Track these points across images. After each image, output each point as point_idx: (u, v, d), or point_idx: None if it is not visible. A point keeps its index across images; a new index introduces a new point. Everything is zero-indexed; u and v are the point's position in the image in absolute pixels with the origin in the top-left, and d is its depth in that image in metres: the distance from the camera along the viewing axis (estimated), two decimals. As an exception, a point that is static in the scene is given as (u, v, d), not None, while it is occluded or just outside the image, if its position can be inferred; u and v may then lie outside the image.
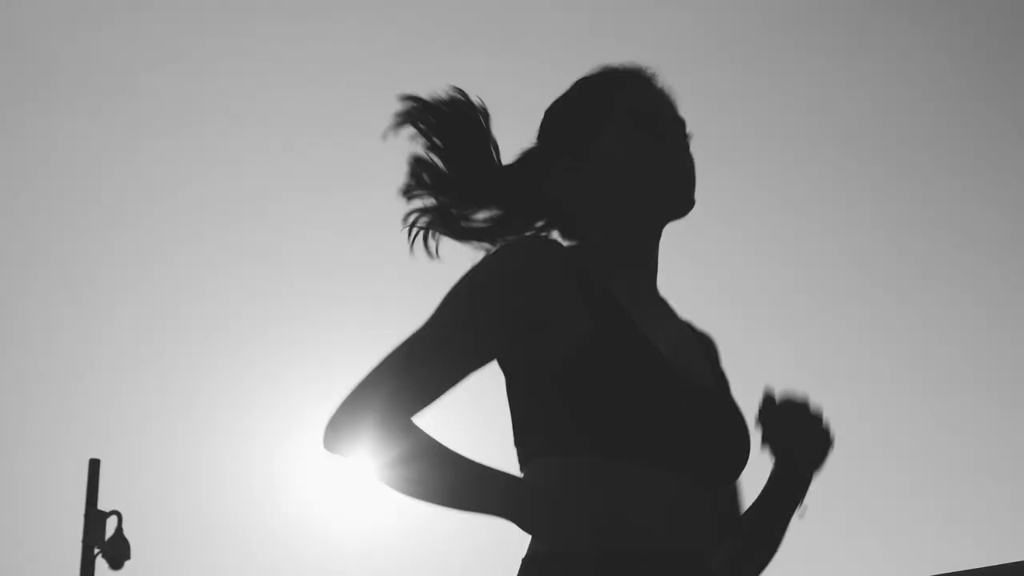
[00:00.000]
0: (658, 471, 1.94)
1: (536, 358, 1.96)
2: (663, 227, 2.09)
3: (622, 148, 2.07)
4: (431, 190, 2.15)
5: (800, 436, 2.02)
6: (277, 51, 6.21)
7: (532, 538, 1.96)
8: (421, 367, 1.92)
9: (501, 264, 1.97)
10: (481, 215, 2.16)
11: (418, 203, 2.15)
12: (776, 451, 2.05)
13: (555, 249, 2.01)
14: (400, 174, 2.15)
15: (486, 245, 2.15)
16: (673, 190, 2.06)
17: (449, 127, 2.14)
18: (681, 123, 2.11)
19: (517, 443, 2.01)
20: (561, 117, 2.15)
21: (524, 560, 1.96)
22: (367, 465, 1.92)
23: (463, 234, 2.14)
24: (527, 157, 2.17)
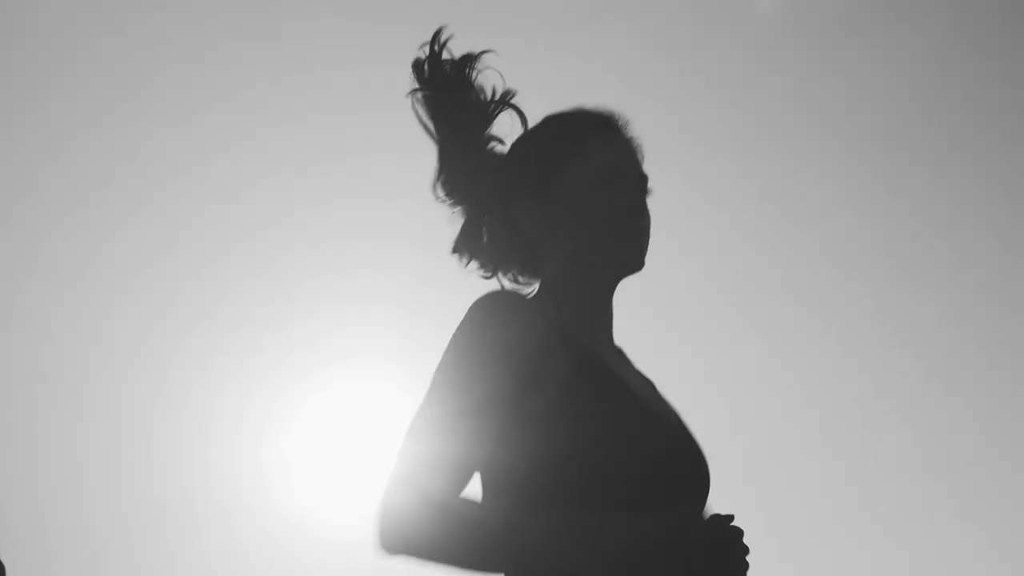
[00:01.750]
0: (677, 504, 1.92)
1: (519, 415, 1.92)
2: (617, 281, 2.10)
3: (581, 199, 2.08)
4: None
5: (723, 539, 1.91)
6: (283, 41, 6.18)
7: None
8: (444, 439, 1.87)
9: (484, 326, 1.93)
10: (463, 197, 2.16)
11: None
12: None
13: (524, 300, 2.00)
14: (397, 166, 2.12)
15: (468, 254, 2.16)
16: (624, 250, 2.07)
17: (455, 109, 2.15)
18: (643, 178, 2.12)
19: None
20: (529, 153, 2.14)
21: None
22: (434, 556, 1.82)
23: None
24: (498, 177, 2.16)
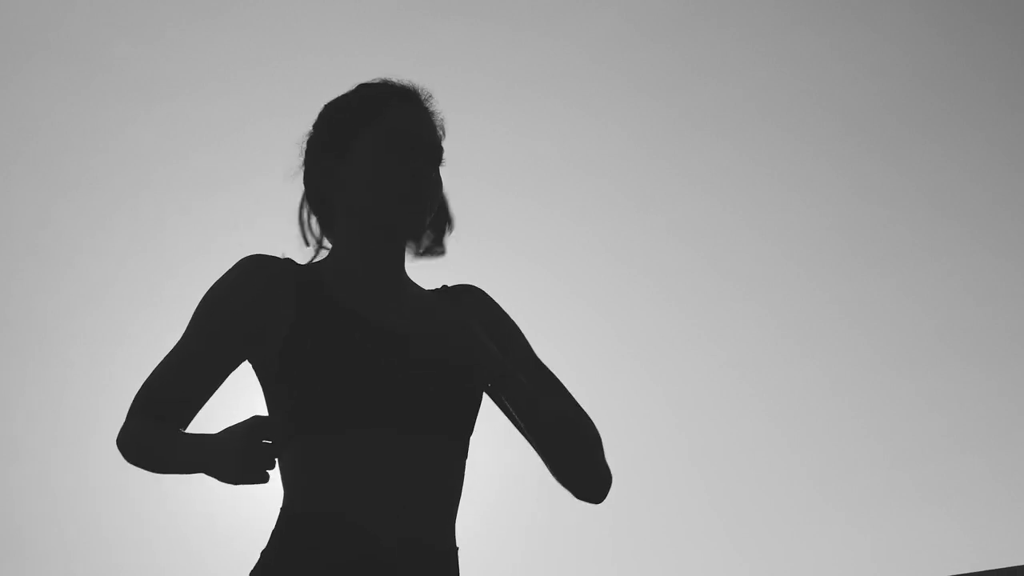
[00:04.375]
0: (364, 431, 2.15)
1: (264, 361, 2.20)
2: (396, 244, 2.27)
3: (368, 161, 2.25)
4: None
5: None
6: (261, 19, 6.17)
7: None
8: (168, 377, 2.20)
9: (224, 279, 2.22)
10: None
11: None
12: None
13: (273, 260, 2.24)
14: None
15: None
16: (398, 213, 2.23)
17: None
18: (436, 149, 2.28)
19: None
20: (331, 117, 2.32)
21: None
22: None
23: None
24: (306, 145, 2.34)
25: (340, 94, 2.34)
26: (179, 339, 2.23)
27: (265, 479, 2.05)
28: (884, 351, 7.42)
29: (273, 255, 2.26)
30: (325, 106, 2.34)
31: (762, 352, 7.45)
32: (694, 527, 7.01)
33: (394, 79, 2.33)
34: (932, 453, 7.32)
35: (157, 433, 2.16)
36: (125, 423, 2.19)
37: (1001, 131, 7.56)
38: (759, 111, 7.48)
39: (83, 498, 6.76)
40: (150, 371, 2.22)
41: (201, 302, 2.23)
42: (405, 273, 2.31)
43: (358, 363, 2.17)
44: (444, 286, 2.37)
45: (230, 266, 2.24)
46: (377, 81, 2.33)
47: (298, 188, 2.36)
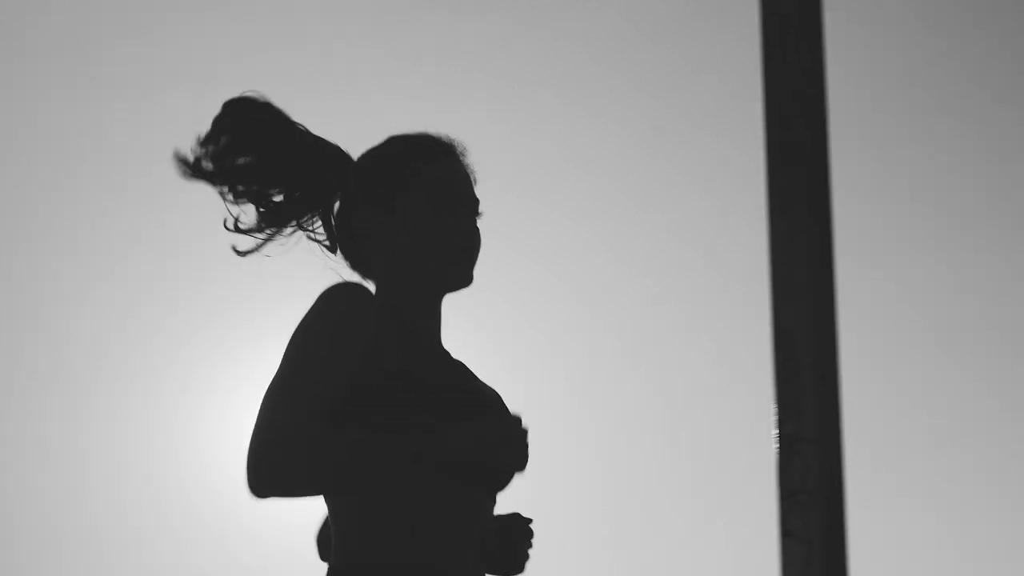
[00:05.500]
0: (460, 487, 2.24)
1: (360, 384, 2.22)
2: (444, 293, 2.37)
3: (419, 220, 2.33)
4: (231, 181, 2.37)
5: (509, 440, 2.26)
6: (253, 13, 6.15)
7: (337, 549, 2.23)
8: (300, 390, 2.15)
9: (330, 304, 2.23)
10: (281, 194, 2.37)
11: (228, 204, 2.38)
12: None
13: (368, 292, 2.29)
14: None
15: (284, 231, 2.37)
16: (451, 268, 2.34)
17: (239, 130, 2.36)
18: (475, 202, 2.38)
19: None
20: (373, 172, 2.39)
21: (329, 571, 2.24)
22: (316, 480, 2.14)
23: (266, 217, 2.36)
24: (347, 183, 2.39)
25: (374, 146, 2.40)
26: (285, 365, 2.19)
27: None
28: (873, 347, 7.42)
29: (359, 284, 2.32)
30: (362, 157, 2.40)
31: (760, 350, 7.43)
32: (692, 527, 7.01)
33: (431, 132, 2.38)
34: (918, 451, 7.32)
35: (380, 435, 2.14)
36: (279, 445, 2.07)
37: (990, 127, 7.55)
38: (758, 111, 7.46)
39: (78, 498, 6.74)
40: (263, 402, 2.16)
41: (311, 326, 2.21)
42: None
43: (445, 415, 2.22)
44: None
45: (322, 294, 2.25)
46: (418, 133, 2.38)
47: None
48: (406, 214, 2.33)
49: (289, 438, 2.07)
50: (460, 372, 2.35)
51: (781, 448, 1.63)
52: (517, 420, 2.20)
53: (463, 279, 2.35)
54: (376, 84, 6.85)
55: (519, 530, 2.40)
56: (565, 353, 7.04)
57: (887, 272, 7.51)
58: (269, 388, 2.17)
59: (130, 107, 6.73)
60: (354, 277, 2.43)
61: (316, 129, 2.39)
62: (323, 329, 2.20)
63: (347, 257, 2.41)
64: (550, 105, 7.14)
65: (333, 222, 2.41)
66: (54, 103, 6.75)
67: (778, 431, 1.65)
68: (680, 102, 7.33)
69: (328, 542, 2.38)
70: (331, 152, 2.39)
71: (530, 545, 2.41)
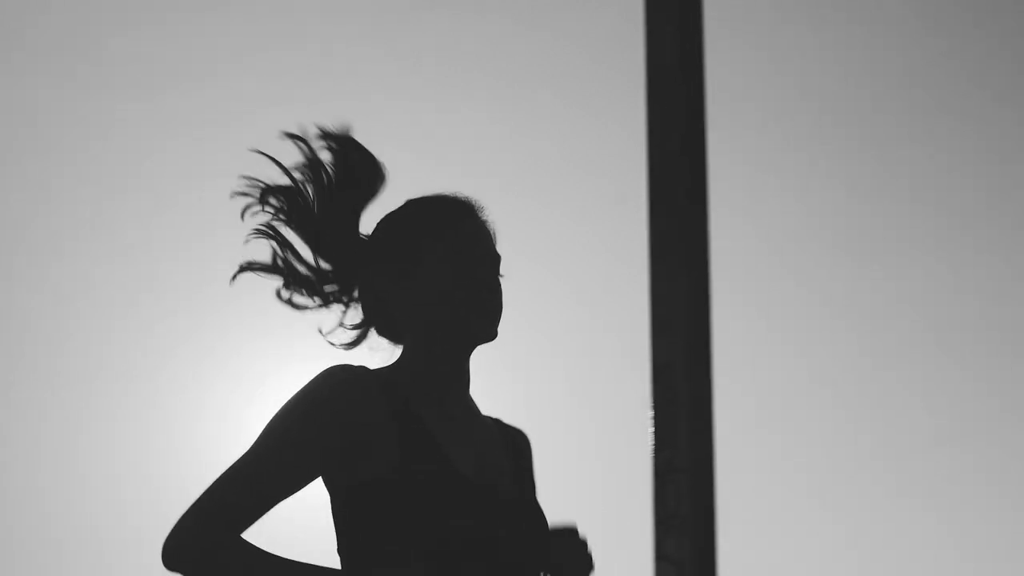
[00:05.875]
0: None
1: (351, 484, 2.24)
2: (472, 349, 2.41)
3: (443, 277, 2.36)
4: (291, 219, 2.41)
5: (570, 557, 2.27)
6: (253, 12, 6.19)
7: None
8: (242, 490, 2.20)
9: (318, 393, 2.24)
10: (314, 266, 2.43)
11: (266, 221, 2.41)
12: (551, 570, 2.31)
13: (368, 377, 2.28)
14: (387, 143, 2.36)
15: (302, 301, 2.42)
16: (479, 325, 2.36)
17: (344, 174, 2.43)
18: (497, 259, 2.42)
19: (340, 554, 2.29)
20: (393, 235, 2.42)
21: None
22: None
23: (294, 277, 2.42)
24: (365, 250, 2.45)
25: (392, 210, 2.44)
26: (255, 447, 2.24)
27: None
28: (873, 347, 7.46)
29: (359, 367, 2.31)
30: (380, 222, 2.43)
31: (756, 349, 7.48)
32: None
33: (447, 192, 2.43)
34: (918, 450, 7.36)
35: (244, 553, 2.19)
36: (193, 532, 2.17)
37: (992, 127, 7.58)
38: (754, 109, 7.51)
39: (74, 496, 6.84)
40: (221, 474, 2.22)
41: (288, 415, 2.24)
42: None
43: (467, 518, 2.24)
44: (498, 420, 2.48)
45: (315, 376, 2.27)
46: (435, 195, 2.43)
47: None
48: (429, 274, 2.37)
49: (208, 537, 2.19)
50: (480, 455, 2.37)
51: (656, 476, 1.76)
52: (563, 533, 2.22)
53: (488, 334, 2.37)
54: (376, 84, 6.92)
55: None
56: (564, 353, 7.11)
57: (887, 271, 7.56)
58: (233, 464, 2.25)
59: (131, 107, 6.82)
60: (382, 343, 2.44)
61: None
62: (305, 419, 2.23)
63: (373, 323, 2.44)
64: (550, 105, 7.21)
65: (357, 292, 2.46)
66: (54, 103, 6.84)
67: (654, 460, 1.78)
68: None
69: None
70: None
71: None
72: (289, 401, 2.26)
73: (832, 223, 7.42)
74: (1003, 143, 7.61)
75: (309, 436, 2.23)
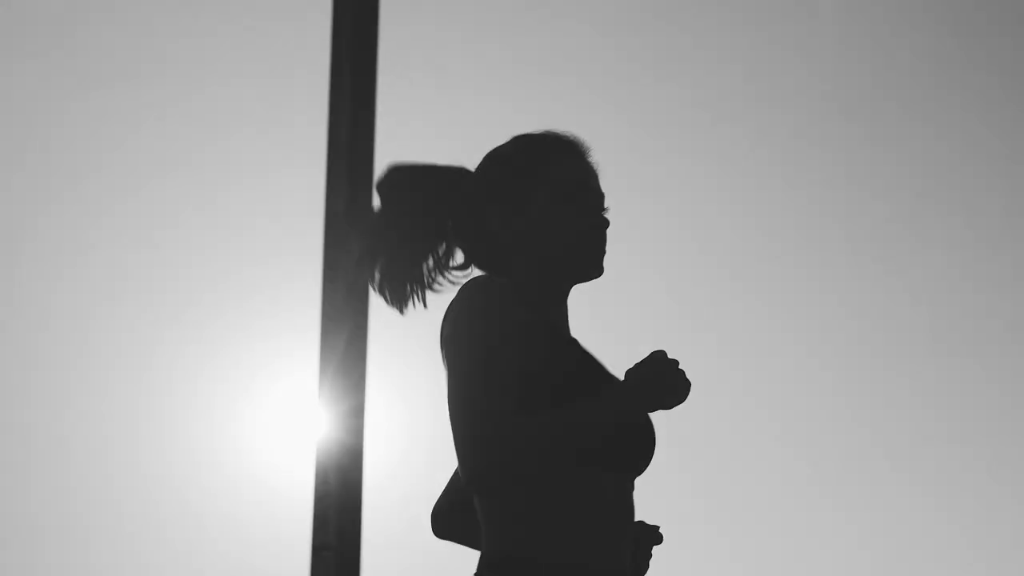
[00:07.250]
0: (609, 475, 2.33)
1: (527, 372, 2.29)
2: (573, 285, 2.51)
3: (550, 215, 2.46)
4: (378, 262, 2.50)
5: (677, 375, 2.36)
6: (249, 15, 6.19)
7: (491, 540, 2.31)
8: (491, 392, 2.23)
9: (479, 299, 2.31)
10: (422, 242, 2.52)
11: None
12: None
13: (508, 287, 2.38)
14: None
15: (435, 280, 2.50)
16: (585, 261, 2.47)
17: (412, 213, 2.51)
18: (602, 197, 2.52)
19: None
20: (502, 171, 2.52)
21: (482, 561, 2.31)
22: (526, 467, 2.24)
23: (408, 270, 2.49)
24: (468, 188, 2.54)
25: (498, 147, 2.53)
26: (464, 366, 2.26)
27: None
28: (881, 346, 7.43)
29: (499, 280, 2.40)
30: (486, 159, 2.53)
31: (758, 347, 7.46)
32: (686, 525, 7.05)
33: (557, 130, 2.55)
34: (919, 449, 7.33)
35: (558, 414, 2.22)
36: (496, 435, 2.19)
37: (1000, 125, 7.55)
38: (759, 101, 7.48)
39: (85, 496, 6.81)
40: (454, 407, 2.25)
41: (469, 325, 2.29)
42: None
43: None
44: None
45: (464, 291, 2.36)
46: (544, 132, 2.54)
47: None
48: (538, 209, 2.45)
49: (503, 426, 2.19)
50: (594, 360, 2.43)
51: (312, 554, 2.07)
52: (661, 354, 2.28)
53: (594, 270, 2.46)
54: (381, 84, 6.88)
55: (647, 537, 2.47)
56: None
57: (887, 269, 7.53)
58: (458, 385, 2.24)
59: (130, 106, 6.80)
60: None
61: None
62: (487, 321, 2.28)
63: (477, 261, 2.50)
64: (551, 105, 7.19)
65: (454, 237, 2.52)
66: (54, 102, 6.82)
67: (312, 540, 2.04)
68: (678, 93, 7.36)
69: (445, 516, 2.49)
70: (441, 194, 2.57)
71: (651, 555, 2.49)
72: (461, 316, 2.32)
73: (834, 221, 7.40)
74: (1004, 142, 7.58)
75: (494, 328, 2.28)
